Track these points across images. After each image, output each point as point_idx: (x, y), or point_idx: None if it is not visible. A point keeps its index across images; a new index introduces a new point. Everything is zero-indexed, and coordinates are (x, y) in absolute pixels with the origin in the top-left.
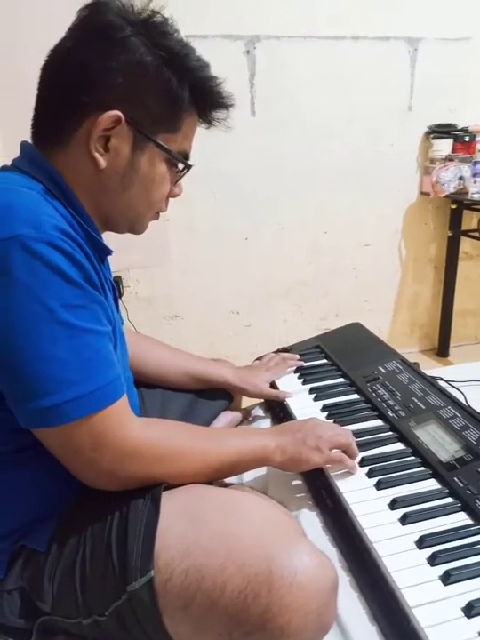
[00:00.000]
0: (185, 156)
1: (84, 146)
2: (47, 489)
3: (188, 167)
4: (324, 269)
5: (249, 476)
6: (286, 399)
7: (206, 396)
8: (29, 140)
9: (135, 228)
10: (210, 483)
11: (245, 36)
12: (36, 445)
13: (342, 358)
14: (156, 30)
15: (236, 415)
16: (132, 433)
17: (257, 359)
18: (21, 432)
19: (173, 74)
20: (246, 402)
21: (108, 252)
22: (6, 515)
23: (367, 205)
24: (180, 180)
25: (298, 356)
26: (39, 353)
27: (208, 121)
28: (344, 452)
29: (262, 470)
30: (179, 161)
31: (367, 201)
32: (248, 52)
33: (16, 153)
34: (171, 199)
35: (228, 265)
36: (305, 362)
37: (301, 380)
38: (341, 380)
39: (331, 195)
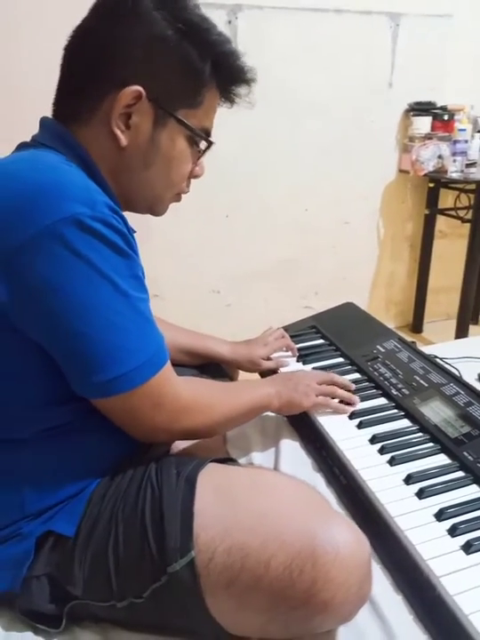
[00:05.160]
0: (206, 133)
1: (105, 123)
2: (76, 468)
3: (209, 144)
4: (305, 247)
5: (258, 456)
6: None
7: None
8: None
9: (155, 208)
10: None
11: (227, 5)
12: (66, 424)
13: (339, 338)
14: (176, 4)
15: None
16: (181, 390)
17: None
18: (53, 410)
19: (194, 47)
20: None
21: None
22: (34, 497)
23: (347, 183)
24: (201, 158)
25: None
26: (105, 323)
27: (230, 99)
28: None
29: (270, 451)
30: (200, 137)
31: (347, 178)
32: (230, 22)
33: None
34: (193, 180)
35: (208, 243)
36: (303, 342)
37: (301, 360)
38: (341, 359)
39: (312, 172)
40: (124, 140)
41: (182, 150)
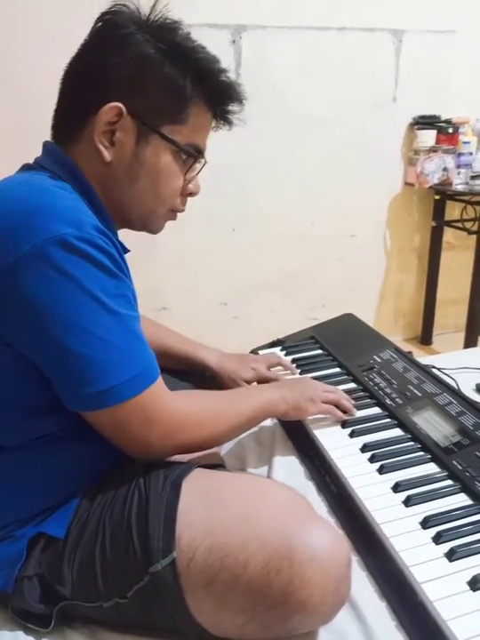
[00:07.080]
0: (197, 150)
1: (92, 141)
2: (68, 475)
3: (195, 157)
4: (312, 260)
5: (252, 463)
6: None
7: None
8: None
9: (149, 225)
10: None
11: (231, 26)
12: (56, 432)
13: (337, 348)
14: (161, 29)
15: None
16: (175, 405)
17: (254, 351)
18: (44, 419)
19: (174, 64)
20: None
21: (125, 249)
22: (27, 501)
23: (353, 196)
24: (193, 174)
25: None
26: (94, 340)
27: (224, 118)
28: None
29: (264, 458)
30: (184, 152)
31: (353, 191)
32: (234, 41)
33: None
34: (195, 197)
35: (215, 256)
36: (301, 353)
37: (298, 370)
38: (337, 369)
39: (318, 185)
40: (107, 155)
41: (168, 165)
